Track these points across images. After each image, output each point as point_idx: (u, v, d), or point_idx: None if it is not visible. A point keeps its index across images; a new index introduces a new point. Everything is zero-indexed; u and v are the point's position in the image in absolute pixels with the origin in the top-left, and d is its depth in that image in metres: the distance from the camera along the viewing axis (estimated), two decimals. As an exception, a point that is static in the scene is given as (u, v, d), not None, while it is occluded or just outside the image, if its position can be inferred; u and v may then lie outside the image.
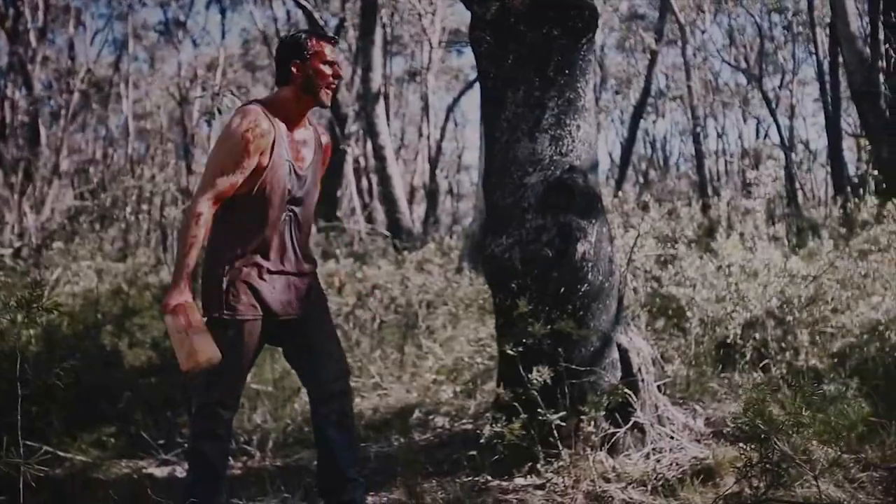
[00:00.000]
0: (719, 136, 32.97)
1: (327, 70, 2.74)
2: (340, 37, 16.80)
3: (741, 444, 2.80)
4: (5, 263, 8.79)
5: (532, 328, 3.11)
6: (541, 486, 3.08)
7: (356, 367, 5.05)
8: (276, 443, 4.10)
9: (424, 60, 20.44)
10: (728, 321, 4.55)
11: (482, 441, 3.18)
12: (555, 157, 3.32)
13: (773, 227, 7.26)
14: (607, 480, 3.06)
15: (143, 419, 4.24)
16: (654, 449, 3.28)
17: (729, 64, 23.52)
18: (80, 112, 21.79)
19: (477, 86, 5.50)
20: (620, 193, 8.09)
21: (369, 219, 15.61)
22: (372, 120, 12.17)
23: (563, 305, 3.24)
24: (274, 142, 2.66)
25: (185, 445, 3.81)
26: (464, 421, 4.17)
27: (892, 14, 8.76)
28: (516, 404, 3.10)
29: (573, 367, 3.18)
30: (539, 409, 3.06)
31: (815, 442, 2.78)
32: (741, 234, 6.24)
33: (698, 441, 3.45)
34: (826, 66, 15.09)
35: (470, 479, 3.23)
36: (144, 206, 11.66)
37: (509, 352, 3.14)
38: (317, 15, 14.03)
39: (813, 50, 17.15)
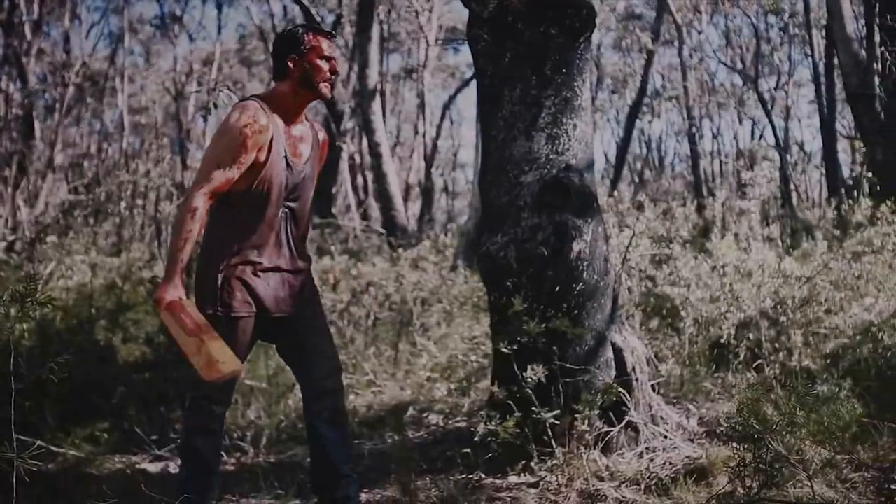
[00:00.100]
0: (715, 136, 33.25)
1: (324, 65, 2.73)
2: (337, 33, 16.76)
3: (734, 444, 2.82)
4: (-2, 257, 8.73)
5: (527, 326, 3.12)
6: (534, 485, 3.09)
7: (350, 363, 5.05)
8: (270, 439, 4.10)
9: (421, 58, 20.44)
10: (722, 321, 4.57)
11: (476, 439, 3.17)
12: (551, 156, 3.32)
13: (768, 227, 7.29)
14: (601, 479, 3.07)
15: (136, 414, 4.24)
16: (647, 448, 3.29)
17: (725, 65, 23.58)
18: (74, 106, 21.69)
19: (473, 83, 5.50)
20: (616, 193, 8.12)
21: (364, 216, 15.57)
22: (368, 117, 12.15)
23: (558, 304, 3.24)
24: (272, 138, 2.65)
25: (179, 441, 3.81)
26: (458, 419, 4.17)
27: (889, 17, 8.78)
28: (510, 402, 3.11)
29: (567, 365, 3.18)
30: (533, 408, 3.06)
31: (808, 442, 2.79)
32: (736, 235, 6.27)
33: (692, 440, 3.47)
34: (822, 68, 15.17)
35: (464, 476, 3.24)
36: (139, 201, 11.58)
37: (504, 350, 3.14)
38: (313, 11, 13.98)
39: (809, 52, 17.23)
